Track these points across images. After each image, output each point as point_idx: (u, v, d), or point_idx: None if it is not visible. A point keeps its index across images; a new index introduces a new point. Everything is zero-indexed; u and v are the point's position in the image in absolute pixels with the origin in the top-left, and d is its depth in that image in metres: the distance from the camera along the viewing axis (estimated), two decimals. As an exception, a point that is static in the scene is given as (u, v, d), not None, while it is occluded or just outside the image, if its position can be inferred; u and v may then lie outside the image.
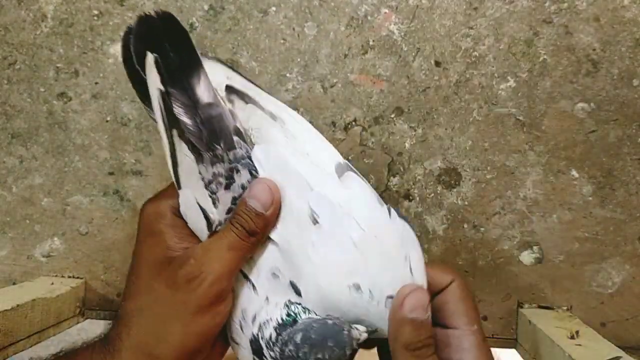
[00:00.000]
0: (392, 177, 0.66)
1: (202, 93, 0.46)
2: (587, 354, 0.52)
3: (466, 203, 0.66)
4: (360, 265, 0.44)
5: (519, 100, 0.65)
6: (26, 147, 0.69)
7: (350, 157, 0.67)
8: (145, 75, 0.45)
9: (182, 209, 0.47)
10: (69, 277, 0.69)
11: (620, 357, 0.51)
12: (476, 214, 0.66)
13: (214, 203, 0.45)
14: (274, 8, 0.67)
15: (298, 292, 0.45)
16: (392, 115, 0.66)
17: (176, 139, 0.43)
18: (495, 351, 0.91)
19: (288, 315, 0.44)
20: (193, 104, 0.45)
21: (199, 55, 0.47)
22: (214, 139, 0.45)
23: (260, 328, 0.44)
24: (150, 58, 0.43)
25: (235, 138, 0.46)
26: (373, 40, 0.66)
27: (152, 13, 0.45)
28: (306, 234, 0.45)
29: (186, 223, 0.47)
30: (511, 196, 0.66)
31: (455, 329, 0.44)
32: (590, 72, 0.64)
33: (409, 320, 0.41)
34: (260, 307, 0.45)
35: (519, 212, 0.66)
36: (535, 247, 0.66)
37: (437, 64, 0.66)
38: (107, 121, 0.69)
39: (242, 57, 0.67)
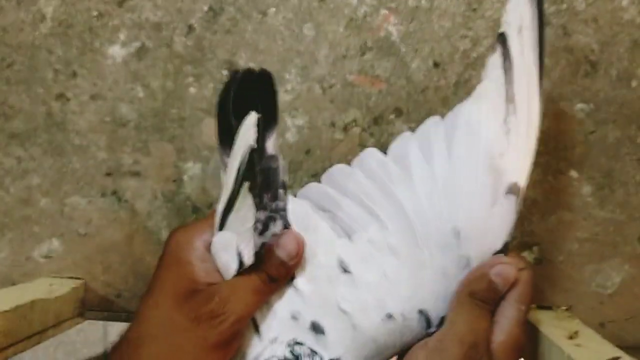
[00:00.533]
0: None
1: (270, 145, 0.50)
2: (587, 354, 0.52)
3: (465, 204, 0.66)
4: (390, 293, 0.47)
5: (518, 101, 0.65)
6: (24, 148, 0.69)
7: (349, 158, 0.67)
8: (233, 120, 0.48)
9: (215, 247, 0.48)
10: (68, 278, 0.69)
11: (620, 357, 0.51)
12: (475, 215, 0.66)
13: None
14: (273, 9, 0.67)
15: (321, 331, 0.47)
16: (391, 116, 0.66)
17: (244, 190, 0.45)
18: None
19: (291, 352, 0.47)
20: (260, 153, 0.49)
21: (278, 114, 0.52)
22: (266, 188, 0.49)
23: None
24: (253, 117, 0.46)
25: (281, 191, 0.50)
26: (372, 41, 0.66)
27: (256, 69, 0.50)
28: (336, 286, 0.48)
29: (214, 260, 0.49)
30: (510, 197, 0.65)
31: (506, 300, 0.47)
32: (589, 73, 0.64)
33: (488, 279, 0.46)
34: (264, 348, 0.47)
35: (519, 212, 0.65)
36: (534, 248, 0.66)
37: (436, 64, 0.66)
38: (105, 122, 0.69)
39: (241, 58, 0.67)
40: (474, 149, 0.49)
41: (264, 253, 0.48)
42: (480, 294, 0.46)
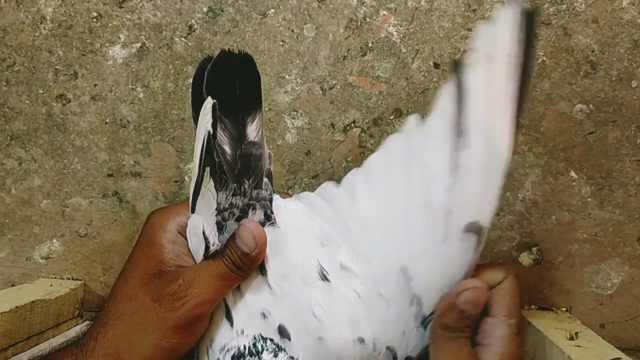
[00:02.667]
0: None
1: (252, 131, 0.49)
2: (587, 355, 0.52)
3: (465, 204, 0.66)
4: (365, 318, 0.46)
5: (517, 102, 0.65)
6: (25, 149, 0.69)
7: (349, 159, 0.67)
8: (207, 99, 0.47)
9: (188, 230, 0.48)
10: (68, 278, 0.69)
11: (620, 358, 0.51)
12: (475, 216, 0.66)
13: (220, 229, 0.47)
14: (272, 10, 0.67)
15: (287, 336, 0.46)
16: (392, 117, 0.66)
17: (207, 175, 0.45)
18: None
19: (254, 345, 0.46)
20: (240, 138, 0.48)
21: (262, 100, 0.50)
22: (246, 174, 0.48)
23: (224, 355, 0.46)
24: (209, 102, 0.45)
25: (265, 180, 0.49)
26: (372, 42, 0.66)
27: (235, 51, 0.48)
28: (311, 290, 0.47)
29: (187, 244, 0.49)
30: (510, 197, 0.66)
31: (494, 317, 0.45)
32: (589, 73, 0.64)
33: (458, 310, 0.43)
34: (232, 338, 0.47)
35: (518, 213, 0.66)
36: (534, 249, 0.66)
37: (436, 65, 0.66)
38: (106, 123, 0.69)
39: (241, 58, 0.67)
40: (405, 184, 0.47)
41: (229, 241, 0.47)
42: (454, 326, 0.44)
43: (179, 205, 0.51)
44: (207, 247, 0.47)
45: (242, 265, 0.46)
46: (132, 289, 0.47)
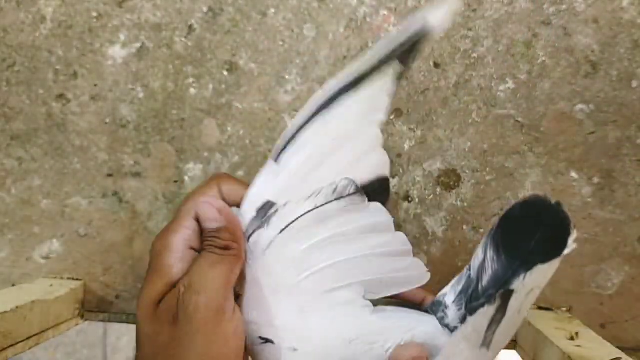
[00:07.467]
0: (391, 179, 0.66)
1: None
2: (587, 355, 0.52)
3: (465, 204, 0.66)
4: None
5: (518, 102, 0.65)
6: (25, 149, 0.69)
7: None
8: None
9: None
10: (68, 278, 0.69)
11: (620, 358, 0.51)
12: (476, 216, 0.66)
13: None
14: (272, 10, 0.67)
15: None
16: (391, 117, 0.66)
17: None
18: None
19: None
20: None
21: None
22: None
23: None
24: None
25: None
26: (372, 42, 0.66)
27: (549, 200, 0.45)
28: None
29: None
30: (511, 197, 0.65)
31: None
32: (589, 73, 0.64)
33: None
34: None
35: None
36: (534, 249, 0.66)
37: (436, 65, 0.66)
38: (106, 123, 0.69)
39: (241, 58, 0.67)
40: None
41: (202, 234, 0.46)
42: None
43: (175, 222, 0.47)
44: None
45: (224, 243, 0.44)
46: (151, 324, 0.43)
